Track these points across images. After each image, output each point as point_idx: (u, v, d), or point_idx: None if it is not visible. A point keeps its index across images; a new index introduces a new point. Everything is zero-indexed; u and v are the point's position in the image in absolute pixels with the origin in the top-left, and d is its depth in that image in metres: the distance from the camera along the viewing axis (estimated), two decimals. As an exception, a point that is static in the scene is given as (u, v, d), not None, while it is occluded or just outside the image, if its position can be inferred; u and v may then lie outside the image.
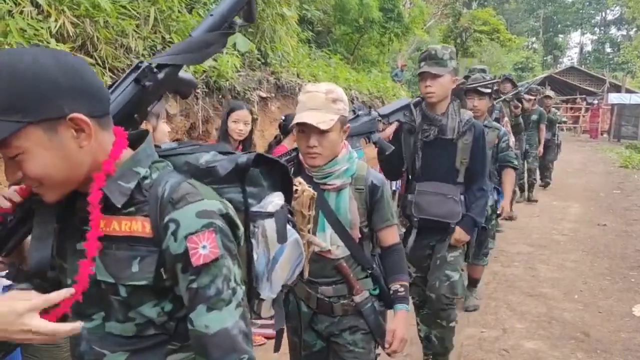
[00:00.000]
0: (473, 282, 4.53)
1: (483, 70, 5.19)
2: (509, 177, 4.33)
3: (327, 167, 1.94)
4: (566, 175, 11.76)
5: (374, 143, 2.70)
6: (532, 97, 7.62)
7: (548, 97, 9.61)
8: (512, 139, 4.53)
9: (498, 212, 4.28)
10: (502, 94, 6.41)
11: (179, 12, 4.71)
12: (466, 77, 4.99)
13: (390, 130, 2.88)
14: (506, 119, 5.65)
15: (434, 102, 2.87)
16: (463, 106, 3.63)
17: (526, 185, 9.07)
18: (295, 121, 1.90)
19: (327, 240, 1.96)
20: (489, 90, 4.25)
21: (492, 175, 4.09)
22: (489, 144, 3.76)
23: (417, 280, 3.11)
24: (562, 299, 4.69)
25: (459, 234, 2.96)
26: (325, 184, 1.97)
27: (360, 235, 2.03)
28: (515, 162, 4.31)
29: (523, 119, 6.87)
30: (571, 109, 25.61)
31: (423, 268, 3.08)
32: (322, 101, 1.87)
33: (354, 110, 2.58)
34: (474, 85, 4.22)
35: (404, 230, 3.08)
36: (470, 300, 4.45)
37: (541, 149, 8.80)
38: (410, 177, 3.05)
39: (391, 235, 2.10)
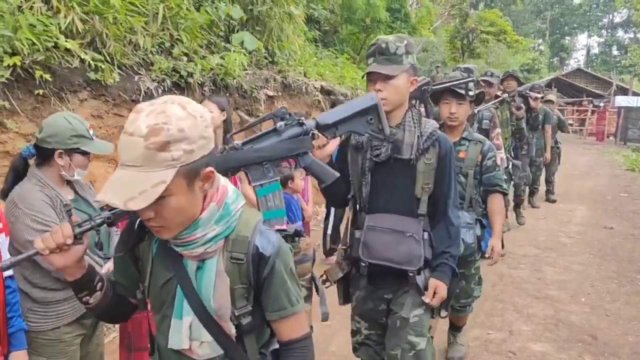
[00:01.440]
0: (456, 328, 3.61)
1: (469, 70, 4.15)
2: (497, 206, 3.20)
3: (185, 234, 1.26)
4: (572, 178, 11.70)
5: (305, 169, 1.79)
6: (538, 95, 6.58)
7: (550, 101, 8.65)
8: (501, 156, 3.36)
9: (486, 255, 3.22)
10: (506, 92, 6.07)
11: (187, 9, 4.72)
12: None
13: (332, 147, 1.91)
14: (498, 130, 4.56)
15: (386, 110, 2.09)
16: (429, 115, 3.21)
17: (527, 193, 8.10)
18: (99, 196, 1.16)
19: (184, 333, 1.33)
20: (471, 93, 3.20)
21: (474, 202, 3.18)
22: (471, 162, 3.14)
23: (371, 338, 2.44)
24: (569, 301, 4.66)
25: (437, 288, 2.22)
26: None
27: (236, 331, 1.35)
28: (505, 186, 3.25)
29: (532, 120, 6.41)
30: (577, 111, 25.50)
31: (378, 325, 2.40)
32: (142, 152, 1.10)
33: (273, 119, 1.72)
34: (445, 84, 3.22)
35: (342, 274, 2.39)
36: (454, 348, 3.59)
37: (548, 155, 7.97)
38: (357, 207, 2.30)
39: (290, 328, 1.39)
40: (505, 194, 3.27)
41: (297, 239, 1.54)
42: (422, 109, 3.08)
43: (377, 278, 2.25)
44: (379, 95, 2.03)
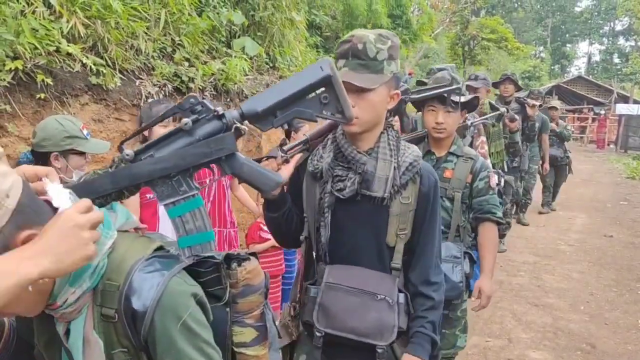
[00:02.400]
0: None
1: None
2: (488, 238, 2.63)
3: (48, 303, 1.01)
4: (573, 185, 11.70)
5: (235, 176, 1.35)
6: (536, 102, 5.99)
7: (554, 108, 8.37)
8: (495, 179, 2.63)
9: (473, 297, 2.68)
10: (503, 97, 5.69)
11: (189, 14, 4.74)
12: (420, 83, 3.48)
13: (287, 171, 1.55)
14: (482, 138, 3.84)
15: (356, 132, 1.61)
16: (405, 129, 2.71)
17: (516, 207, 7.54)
18: None
19: None
20: (461, 98, 2.60)
21: (462, 231, 2.60)
22: (458, 183, 2.55)
23: None
24: (568, 309, 4.65)
25: None
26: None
27: None
28: (499, 214, 2.63)
29: (528, 130, 5.84)
30: (578, 119, 25.53)
31: None
32: None
33: (179, 113, 1.25)
34: (436, 91, 2.54)
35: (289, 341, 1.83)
36: None
37: (547, 165, 7.51)
38: (314, 254, 1.75)
39: None
40: (499, 223, 2.63)
41: (233, 265, 1.24)
42: (397, 123, 2.68)
43: (336, 352, 1.70)
44: None
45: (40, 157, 2.12)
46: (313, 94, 1.31)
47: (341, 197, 1.63)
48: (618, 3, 47.81)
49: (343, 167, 1.64)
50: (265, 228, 3.49)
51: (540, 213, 8.62)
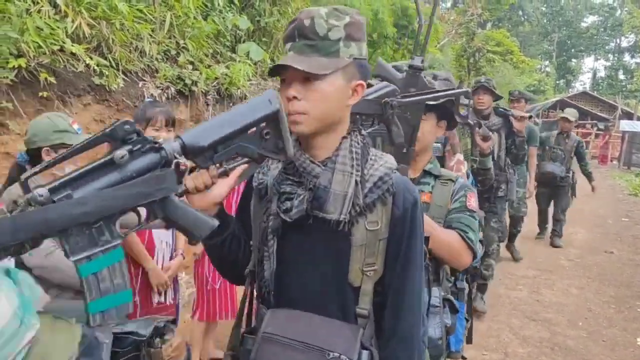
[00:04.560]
0: None
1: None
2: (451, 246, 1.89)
3: None
4: (574, 200, 11.67)
5: (167, 222, 1.13)
6: (525, 114, 4.44)
7: (565, 119, 6.81)
8: (474, 200, 2.03)
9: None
10: (478, 110, 4.34)
11: (194, 18, 4.76)
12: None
13: (220, 190, 1.23)
14: (458, 156, 2.90)
15: (304, 133, 1.23)
16: (395, 141, 1.79)
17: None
18: None
19: None
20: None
21: (441, 273, 2.00)
22: (439, 210, 1.97)
23: None
24: (566, 325, 4.62)
25: None
26: None
27: None
28: (472, 237, 1.92)
29: (516, 149, 4.39)
30: (582, 134, 25.54)
31: None
32: None
33: (109, 141, 1.05)
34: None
35: None
36: None
37: (531, 186, 6.05)
38: (255, 292, 1.42)
39: None
40: (471, 249, 1.91)
41: (156, 342, 1.08)
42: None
43: None
44: (292, 106, 1.19)
45: (34, 155, 2.14)
46: (252, 132, 1.17)
47: (288, 220, 1.24)
48: (624, 20, 47.93)
49: (293, 181, 1.26)
50: None
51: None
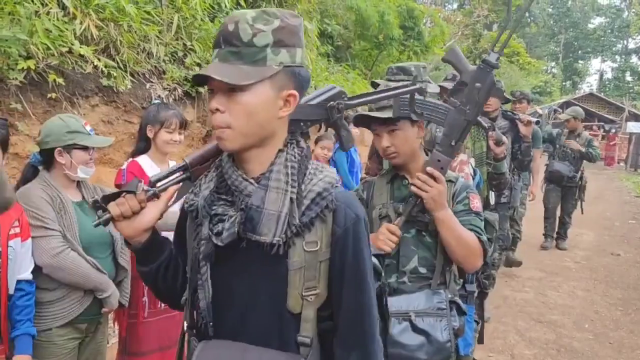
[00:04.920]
0: None
1: (405, 71, 2.62)
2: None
3: None
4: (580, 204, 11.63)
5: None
6: (532, 118, 4.14)
7: (575, 118, 6.76)
8: (477, 201, 2.03)
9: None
10: (485, 112, 3.81)
11: (201, 20, 4.78)
12: (373, 84, 2.89)
13: (151, 215, 1.18)
14: (462, 157, 2.76)
15: (231, 148, 1.13)
16: (346, 147, 1.70)
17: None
18: None
19: None
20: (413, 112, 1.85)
21: (448, 276, 1.99)
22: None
23: None
24: (572, 327, 4.60)
25: None
26: None
27: None
28: (484, 237, 1.94)
29: (522, 154, 4.18)
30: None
31: None
32: None
33: None
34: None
35: None
36: None
37: (534, 189, 5.87)
38: (186, 323, 1.29)
39: None
40: (484, 250, 1.92)
41: None
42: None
43: None
44: (214, 120, 1.10)
45: (46, 156, 2.16)
46: None
47: (219, 244, 1.13)
48: (631, 21, 47.74)
49: (226, 201, 1.16)
50: None
51: (542, 248, 7.22)
